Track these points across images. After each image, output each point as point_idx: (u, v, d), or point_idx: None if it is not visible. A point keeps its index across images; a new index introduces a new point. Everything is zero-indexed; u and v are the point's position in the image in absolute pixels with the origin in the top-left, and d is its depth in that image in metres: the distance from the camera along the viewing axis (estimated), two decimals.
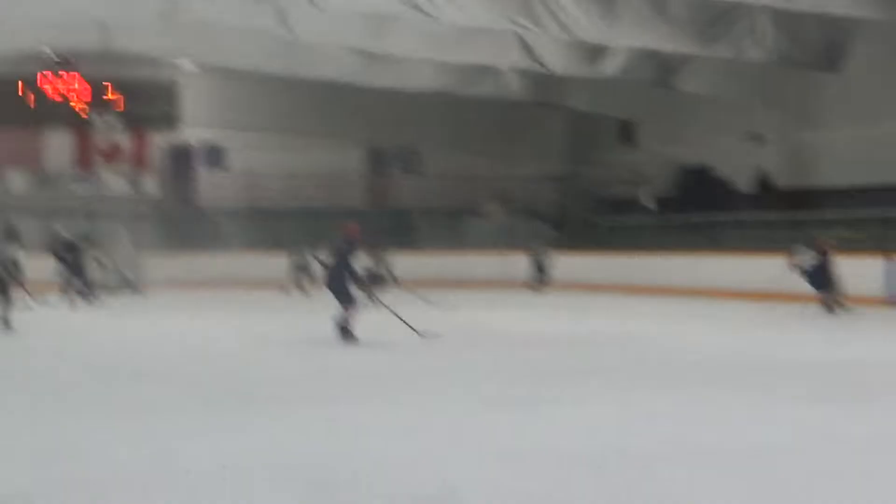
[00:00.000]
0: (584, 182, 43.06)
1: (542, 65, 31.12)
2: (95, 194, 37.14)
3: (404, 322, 17.61)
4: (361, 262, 18.79)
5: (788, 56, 27.66)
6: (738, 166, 36.41)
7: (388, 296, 22.52)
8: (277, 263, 33.67)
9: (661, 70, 31.55)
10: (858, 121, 31.69)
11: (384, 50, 30.33)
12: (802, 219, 31.47)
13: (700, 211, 35.33)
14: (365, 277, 19.10)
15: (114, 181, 38.68)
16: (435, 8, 23.89)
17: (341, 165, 40.42)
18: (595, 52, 30.23)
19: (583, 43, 28.78)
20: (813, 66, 28.82)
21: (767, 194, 35.09)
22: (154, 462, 8.42)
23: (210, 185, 39.70)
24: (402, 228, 38.45)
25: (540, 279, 34.48)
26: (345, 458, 8.66)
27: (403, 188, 42.08)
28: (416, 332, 17.42)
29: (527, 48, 29.92)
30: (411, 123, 39.75)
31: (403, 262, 31.68)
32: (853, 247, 27.94)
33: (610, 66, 30.97)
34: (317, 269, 28.29)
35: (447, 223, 39.18)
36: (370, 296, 19.46)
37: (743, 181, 36.35)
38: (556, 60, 30.90)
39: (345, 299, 17.27)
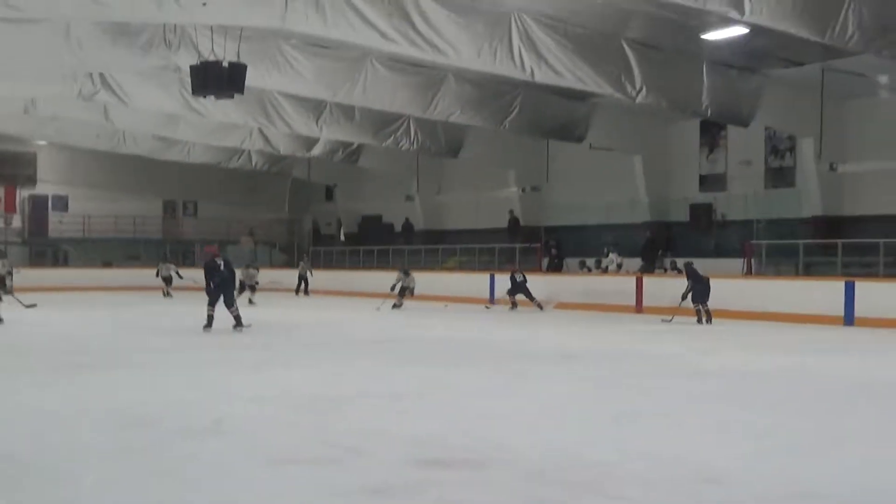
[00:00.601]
0: (303, 224, 45.37)
1: (274, 148, 32.54)
2: None
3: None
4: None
5: (427, 147, 29.67)
6: (396, 215, 38.57)
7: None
8: (107, 275, 36.19)
9: (349, 153, 33.62)
10: (469, 188, 34.62)
11: (173, 135, 31.09)
12: (435, 249, 35.04)
13: (374, 243, 37.70)
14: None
15: None
16: (205, 109, 24.38)
17: (146, 210, 41.66)
18: (309, 141, 31.42)
19: (300, 135, 29.81)
20: (442, 153, 30.90)
21: (412, 233, 37.52)
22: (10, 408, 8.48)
23: (58, 223, 40.29)
24: (186, 253, 40.83)
25: (304, 288, 34.49)
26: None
27: (186, 226, 43.34)
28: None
29: (265, 137, 31.18)
30: (191, 184, 40.99)
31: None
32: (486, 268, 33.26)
33: (317, 150, 32.52)
34: (174, 278, 31.22)
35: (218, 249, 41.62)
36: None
37: (399, 224, 38.47)
38: (284, 145, 32.13)
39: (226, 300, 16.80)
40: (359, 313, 24.01)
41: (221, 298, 16.80)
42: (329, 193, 43.87)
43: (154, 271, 32.96)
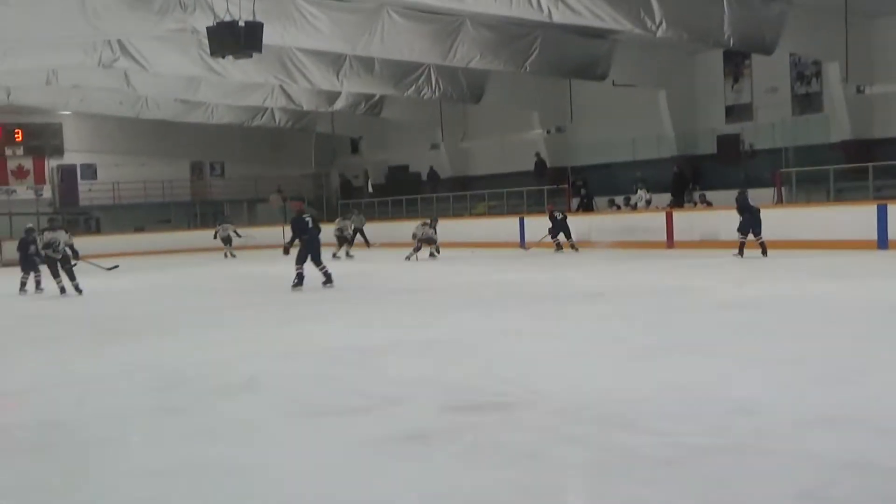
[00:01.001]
0: (331, 178, 45.61)
1: (297, 104, 32.41)
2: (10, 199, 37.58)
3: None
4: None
5: (449, 94, 29.51)
6: (423, 164, 38.90)
7: None
8: (141, 239, 36.00)
9: (372, 105, 33.47)
10: (494, 133, 34.72)
11: (196, 98, 30.99)
12: (463, 196, 35.23)
13: (402, 193, 37.96)
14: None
15: (22, 191, 39.41)
16: (225, 70, 24.31)
17: (174, 174, 41.70)
18: (331, 95, 31.42)
19: (321, 90, 29.58)
20: (464, 100, 30.70)
21: (437, 182, 37.93)
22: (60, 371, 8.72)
23: (88, 191, 40.59)
24: (216, 214, 40.32)
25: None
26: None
27: (214, 187, 43.39)
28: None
29: (287, 94, 31.05)
30: (217, 145, 41.35)
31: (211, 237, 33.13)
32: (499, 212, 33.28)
33: (340, 104, 32.49)
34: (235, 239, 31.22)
35: (246, 209, 41.49)
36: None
37: (426, 173, 38.99)
38: (306, 101, 32.04)
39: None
40: (389, 264, 24.04)
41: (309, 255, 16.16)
42: (354, 146, 44.07)
43: (212, 232, 33.01)
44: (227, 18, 17.60)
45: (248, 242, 32.02)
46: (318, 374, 8.08)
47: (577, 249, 25.35)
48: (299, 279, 16.13)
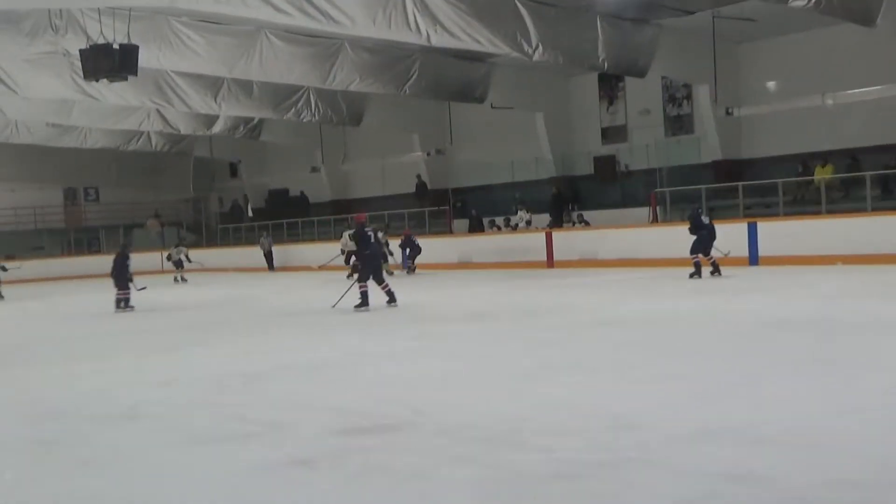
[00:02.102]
0: (209, 202, 45.15)
1: (174, 128, 31.78)
2: None
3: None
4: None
5: (329, 117, 29.50)
6: (303, 187, 39.02)
7: None
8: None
9: (251, 128, 33.21)
10: (374, 155, 34.78)
11: (69, 122, 30.17)
12: (343, 218, 33.84)
13: (282, 217, 37.87)
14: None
15: None
16: (99, 93, 23.65)
17: (46, 200, 40.88)
18: (209, 119, 30.94)
19: (199, 113, 28.98)
20: (344, 122, 30.73)
21: (326, 205, 37.41)
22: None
23: None
24: (91, 241, 40.10)
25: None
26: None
27: (89, 213, 42.38)
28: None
29: (163, 117, 30.51)
30: (91, 170, 40.24)
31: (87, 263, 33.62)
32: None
33: (218, 127, 32.12)
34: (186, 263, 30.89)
35: (122, 234, 39.07)
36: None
37: (311, 196, 38.77)
38: (184, 124, 31.51)
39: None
40: (268, 288, 23.87)
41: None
42: (234, 170, 43.71)
43: (88, 258, 33.14)
44: (101, 41, 17.40)
45: (199, 266, 32.00)
46: (200, 401, 7.95)
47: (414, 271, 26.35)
48: (364, 298, 15.15)
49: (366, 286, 15.07)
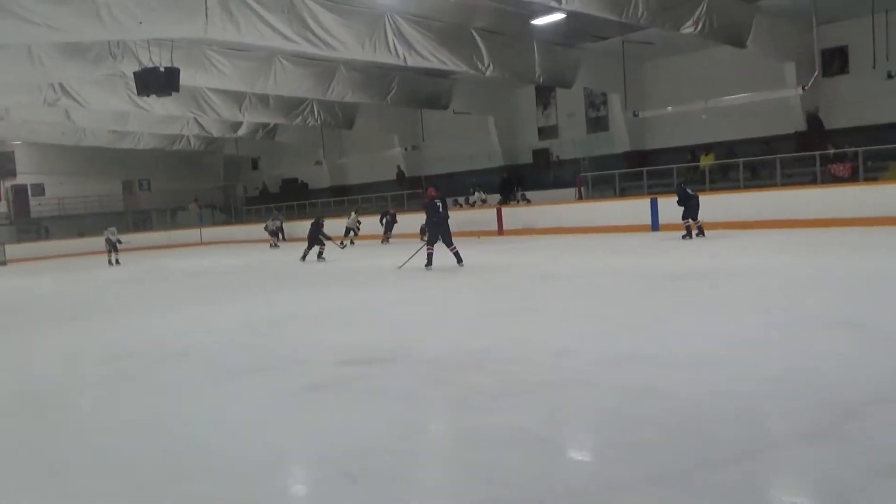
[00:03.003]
0: (237, 189, 44.43)
1: (208, 132, 31.59)
2: None
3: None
4: None
5: (328, 122, 29.23)
6: (311, 177, 38.66)
7: None
8: (83, 243, 33.44)
9: (268, 131, 32.71)
10: (364, 151, 34.64)
11: (125, 128, 29.62)
12: (341, 200, 34.21)
13: (293, 199, 37.29)
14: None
15: None
16: (149, 106, 23.37)
17: (108, 190, 40.23)
18: (234, 124, 30.65)
19: (227, 120, 28.79)
20: (340, 126, 30.48)
21: (327, 190, 36.85)
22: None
23: (37, 205, 38.81)
24: (145, 220, 39.84)
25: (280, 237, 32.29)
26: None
27: (143, 199, 41.65)
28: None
29: (199, 124, 30.26)
30: (144, 165, 39.77)
31: (142, 238, 33.22)
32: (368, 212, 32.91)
33: (242, 131, 31.71)
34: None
35: (169, 216, 39.80)
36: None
37: (314, 184, 38.45)
38: (215, 129, 31.19)
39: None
40: (281, 256, 23.46)
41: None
42: (254, 164, 43.21)
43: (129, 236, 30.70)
44: (150, 65, 17.27)
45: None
46: (235, 343, 7.88)
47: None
48: (429, 259, 14.08)
49: (432, 248, 14.17)
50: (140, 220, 39.25)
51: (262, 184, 42.38)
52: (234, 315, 10.12)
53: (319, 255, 19.56)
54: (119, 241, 24.91)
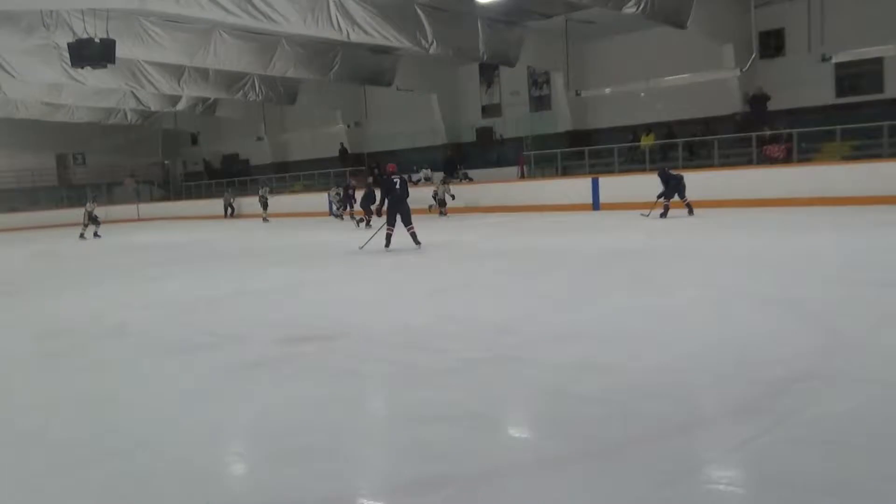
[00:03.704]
0: (175, 165, 43.66)
1: (145, 105, 31.01)
2: None
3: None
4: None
5: (270, 97, 28.91)
6: (252, 153, 38.14)
7: None
8: (14, 218, 33.18)
9: (208, 106, 32.19)
10: (306, 127, 34.25)
11: (59, 101, 29.07)
12: (283, 177, 34.46)
13: (233, 175, 37.06)
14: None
15: None
16: (84, 78, 22.71)
17: (42, 164, 39.20)
18: (173, 98, 29.85)
19: (165, 94, 28.10)
20: (282, 102, 30.09)
21: (268, 166, 36.34)
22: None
23: None
24: (79, 197, 39.18)
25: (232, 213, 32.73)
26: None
27: (78, 173, 40.60)
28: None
29: (136, 97, 29.76)
30: (79, 139, 38.50)
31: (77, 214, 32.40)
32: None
33: (181, 105, 31.07)
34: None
35: (105, 191, 38.13)
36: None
37: (255, 160, 38.01)
38: (153, 103, 30.61)
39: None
40: (225, 232, 23.30)
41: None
42: (194, 139, 42.47)
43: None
44: (85, 36, 16.76)
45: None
46: (174, 320, 7.78)
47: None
48: (388, 240, 13.37)
49: (392, 229, 13.28)
50: (74, 195, 38.21)
51: (203, 160, 41.66)
52: (173, 291, 9.99)
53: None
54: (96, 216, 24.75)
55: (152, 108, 32.21)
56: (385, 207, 13.12)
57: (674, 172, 16.98)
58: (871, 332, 5.42)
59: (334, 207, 27.06)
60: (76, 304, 9.41)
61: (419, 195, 25.98)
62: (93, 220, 23.93)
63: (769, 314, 6.30)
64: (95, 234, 23.99)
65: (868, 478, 3.12)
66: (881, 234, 11.65)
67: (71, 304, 9.43)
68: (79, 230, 23.79)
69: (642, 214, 17.14)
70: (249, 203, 32.11)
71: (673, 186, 16.59)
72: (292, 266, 12.43)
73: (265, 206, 29.14)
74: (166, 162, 43.18)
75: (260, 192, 29.79)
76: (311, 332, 6.55)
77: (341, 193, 26.20)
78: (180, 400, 4.83)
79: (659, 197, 16.66)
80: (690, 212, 16.66)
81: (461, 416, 4.11)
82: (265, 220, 28.51)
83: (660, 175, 16.90)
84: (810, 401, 4.04)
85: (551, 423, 4.02)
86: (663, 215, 16.57)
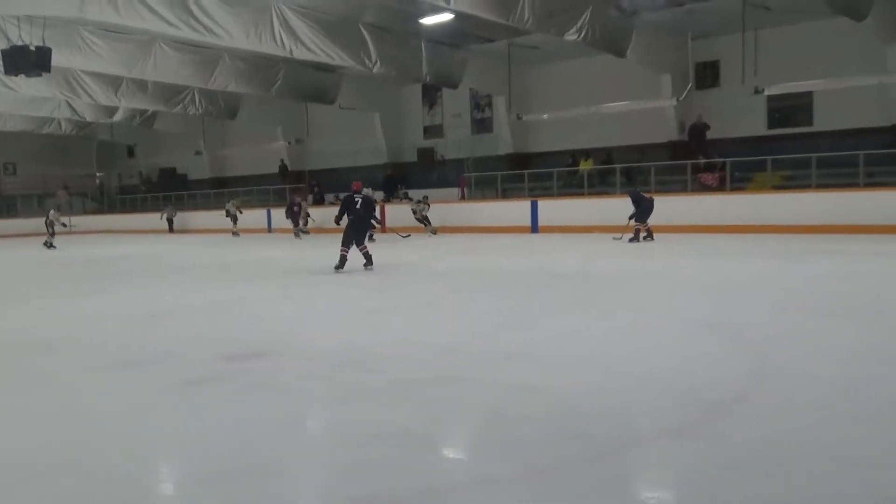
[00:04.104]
0: (110, 178, 42.89)
1: (80, 116, 30.19)
2: None
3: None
4: None
5: (210, 111, 28.49)
6: (190, 167, 37.62)
7: None
8: None
9: (146, 118, 31.66)
10: (246, 142, 33.59)
11: None
12: (221, 192, 33.69)
13: (171, 190, 36.43)
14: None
15: None
16: (17, 86, 22.24)
17: None
18: (110, 109, 29.38)
19: (102, 105, 27.48)
20: (222, 116, 29.74)
21: (206, 181, 36.19)
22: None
23: None
24: (9, 207, 37.38)
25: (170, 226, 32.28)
26: None
27: (8, 184, 39.47)
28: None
29: (72, 107, 29.01)
30: (10, 148, 37.55)
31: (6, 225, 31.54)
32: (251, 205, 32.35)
33: (118, 116, 30.55)
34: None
35: (36, 202, 37.25)
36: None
37: (193, 174, 37.56)
38: (89, 113, 29.92)
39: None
40: (165, 246, 22.89)
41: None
42: (131, 151, 41.77)
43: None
44: (20, 43, 16.31)
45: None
46: (109, 335, 7.58)
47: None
48: (342, 261, 12.62)
49: (346, 250, 12.67)
50: (4, 207, 37.11)
51: (139, 173, 40.88)
52: (108, 307, 9.76)
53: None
54: (63, 225, 24.82)
55: (88, 119, 31.46)
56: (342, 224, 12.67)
57: (645, 196, 16.84)
58: (803, 358, 5.55)
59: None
60: (3, 319, 9.14)
61: None
62: (49, 226, 23.98)
63: (705, 338, 6.43)
64: (47, 244, 23.93)
65: (801, 499, 3.19)
66: (812, 262, 12.01)
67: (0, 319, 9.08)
68: (13, 243, 23.32)
69: (615, 238, 17.12)
70: (192, 217, 31.69)
71: (645, 209, 16.41)
72: (234, 282, 12.28)
73: (235, 219, 28.59)
74: (100, 174, 42.34)
75: (227, 205, 29.20)
76: (251, 350, 6.45)
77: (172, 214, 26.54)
78: (113, 418, 4.70)
79: (630, 219, 16.52)
80: (649, 236, 16.57)
81: (401, 436, 4.09)
82: (235, 234, 28.14)
83: (631, 195, 16.71)
84: (744, 424, 4.12)
85: (490, 444, 4.02)
86: (633, 239, 16.38)
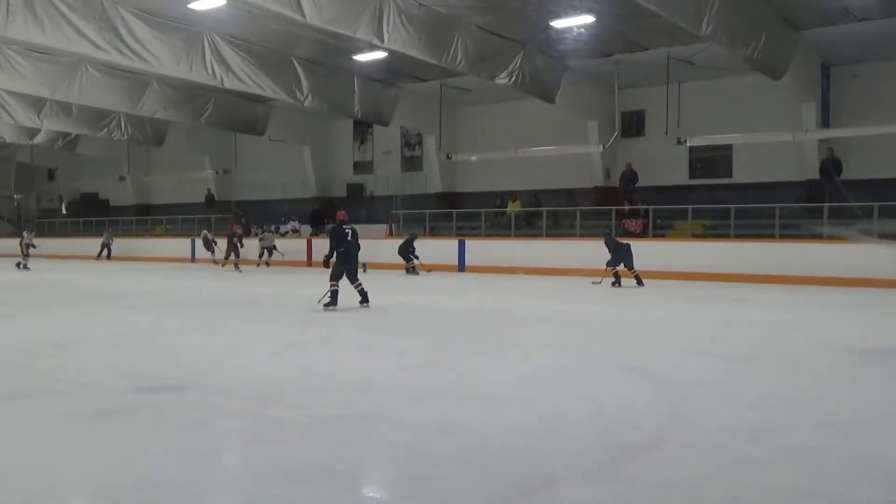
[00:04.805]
0: (28, 200, 41.69)
1: (0, 137, 29.45)
2: None
3: None
4: None
5: (136, 137, 27.98)
6: (113, 193, 36.91)
7: None
8: None
9: (69, 141, 30.88)
10: (173, 170, 33.07)
11: None
12: (145, 220, 33.27)
13: (92, 216, 35.41)
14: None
15: None
16: None
17: None
18: (31, 131, 28.52)
19: (23, 126, 26.48)
20: (149, 142, 29.19)
21: (130, 208, 35.41)
22: None
23: None
24: None
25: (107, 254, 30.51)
26: None
27: None
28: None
29: None
30: None
31: None
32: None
33: (39, 138, 29.74)
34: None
35: None
36: None
37: (116, 200, 36.86)
38: (9, 134, 29.03)
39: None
40: (80, 273, 22.29)
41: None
42: (51, 174, 40.74)
43: None
44: None
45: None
46: (14, 364, 7.31)
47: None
48: (333, 297, 11.70)
49: (336, 285, 11.74)
50: None
51: (59, 196, 39.72)
52: (12, 334, 9.43)
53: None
54: (34, 246, 24.77)
55: (7, 140, 30.60)
56: (333, 260, 11.79)
57: (622, 241, 16.74)
58: (720, 403, 5.67)
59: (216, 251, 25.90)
60: None
61: (289, 246, 25.70)
62: (24, 248, 24.01)
63: (622, 381, 6.53)
64: (20, 265, 23.85)
65: None
66: (727, 309, 12.33)
67: None
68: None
69: (593, 283, 16.85)
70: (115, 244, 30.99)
71: (621, 255, 16.18)
72: (149, 311, 12.02)
73: (26, 250, 25.14)
74: (18, 196, 41.06)
75: (24, 235, 25.87)
76: (163, 382, 6.32)
77: (213, 239, 25.73)
78: (14, 450, 4.53)
79: (608, 266, 16.35)
80: (639, 282, 16.20)
81: (315, 474, 4.04)
82: (215, 262, 25.96)
83: (606, 244, 16.50)
84: (659, 466, 4.18)
85: (406, 482, 4.00)
86: (615, 284, 16.12)
